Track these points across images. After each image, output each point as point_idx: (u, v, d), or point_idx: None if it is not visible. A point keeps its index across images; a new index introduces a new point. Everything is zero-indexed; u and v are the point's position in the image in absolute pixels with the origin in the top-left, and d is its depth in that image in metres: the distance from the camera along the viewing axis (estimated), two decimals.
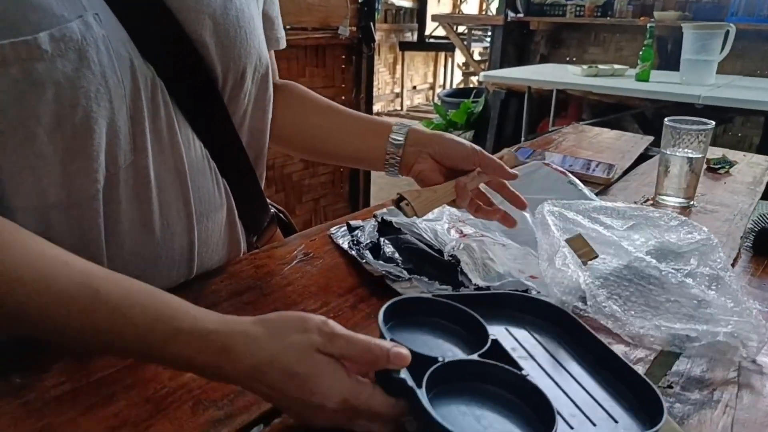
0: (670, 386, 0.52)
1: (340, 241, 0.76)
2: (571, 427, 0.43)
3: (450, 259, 0.67)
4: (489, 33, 4.91)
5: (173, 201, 0.58)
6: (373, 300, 0.63)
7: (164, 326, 0.41)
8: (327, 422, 0.41)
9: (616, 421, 0.44)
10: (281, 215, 0.84)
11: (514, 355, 0.47)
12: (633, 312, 0.59)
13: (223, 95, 0.61)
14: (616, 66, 2.96)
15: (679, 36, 2.59)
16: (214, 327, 0.41)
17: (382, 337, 0.46)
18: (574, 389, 0.47)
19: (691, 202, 0.97)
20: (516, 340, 0.53)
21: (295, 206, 2.41)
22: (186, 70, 0.56)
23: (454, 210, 0.86)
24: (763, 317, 0.57)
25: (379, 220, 0.77)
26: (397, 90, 6.57)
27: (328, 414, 0.40)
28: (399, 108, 6.57)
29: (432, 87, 6.99)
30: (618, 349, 0.57)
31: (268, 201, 0.78)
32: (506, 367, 0.45)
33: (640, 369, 0.54)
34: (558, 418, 0.40)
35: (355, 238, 0.74)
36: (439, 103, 4.85)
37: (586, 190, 0.92)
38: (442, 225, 0.78)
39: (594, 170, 1.09)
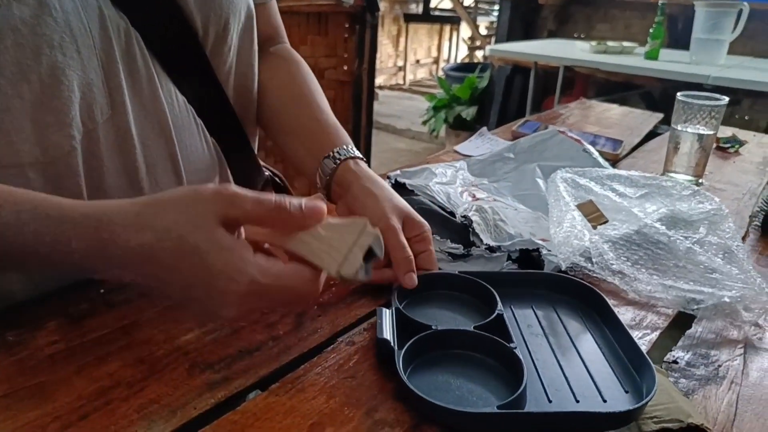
0: (675, 362, 0.51)
1: None
2: (550, 401, 0.44)
3: (462, 219, 0.68)
4: (496, 6, 4.82)
5: (159, 159, 0.56)
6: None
7: (31, 217, 0.38)
8: (233, 313, 0.37)
9: (605, 401, 0.44)
10: (277, 179, 0.82)
11: (527, 331, 0.51)
12: (641, 271, 0.60)
13: (205, 48, 0.58)
14: (625, 43, 2.91)
15: (690, 14, 2.54)
16: (86, 210, 0.38)
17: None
18: (575, 368, 0.48)
19: (700, 180, 0.95)
20: (537, 318, 0.55)
21: (294, 178, 2.38)
22: (162, 20, 0.54)
23: (467, 174, 0.85)
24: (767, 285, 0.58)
25: (393, 182, 0.77)
26: (400, 63, 6.48)
27: (234, 300, 0.36)
28: (401, 82, 6.49)
29: (436, 61, 6.89)
30: (626, 314, 0.57)
31: (262, 164, 0.76)
32: (495, 337, 0.47)
33: (648, 339, 0.53)
34: (525, 384, 0.42)
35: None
36: (443, 77, 4.78)
37: (600, 159, 0.91)
38: (455, 188, 0.79)
39: (602, 145, 1.07)
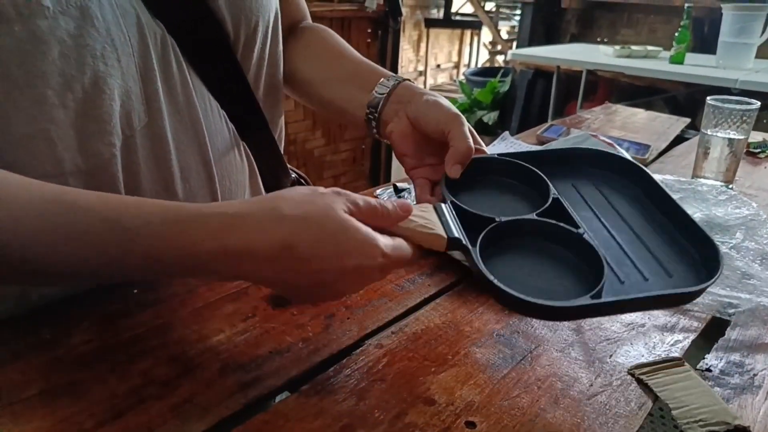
0: (709, 369, 0.50)
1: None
2: (622, 282, 0.44)
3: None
4: (517, 11, 4.80)
5: (193, 164, 0.57)
6: (401, 272, 0.62)
7: (164, 219, 0.38)
8: (360, 289, 0.42)
9: (670, 276, 0.45)
10: (302, 181, 0.83)
11: (575, 213, 0.49)
12: None
13: (236, 51, 0.59)
14: (650, 47, 2.88)
15: (716, 17, 2.50)
16: (210, 211, 0.38)
17: (443, 200, 0.49)
18: (633, 245, 0.48)
19: (731, 186, 0.93)
20: (581, 196, 0.54)
21: (316, 182, 2.39)
22: (196, 26, 0.54)
23: None
24: None
25: None
26: (421, 68, 6.48)
27: (366, 275, 0.40)
28: (422, 87, 6.49)
29: (456, 66, 6.88)
30: (660, 318, 0.56)
31: (288, 166, 0.76)
32: (562, 225, 0.47)
33: (681, 345, 0.52)
34: (607, 271, 0.42)
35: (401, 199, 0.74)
36: (464, 82, 4.77)
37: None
38: None
39: (629, 150, 1.06)
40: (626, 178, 0.56)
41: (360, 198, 0.42)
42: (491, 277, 0.41)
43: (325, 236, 0.38)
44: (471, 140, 0.54)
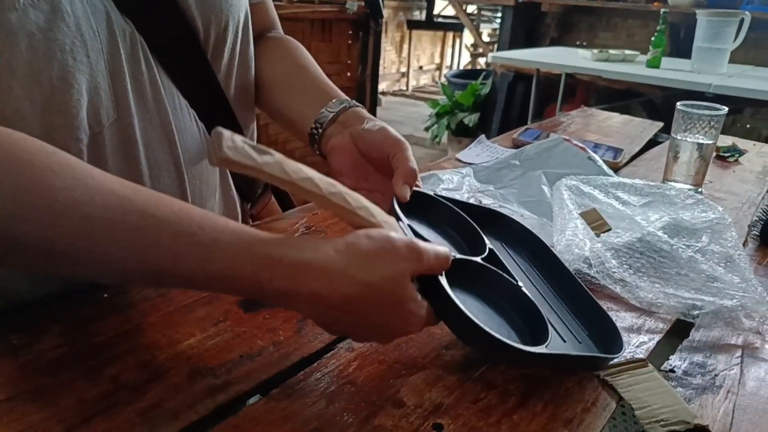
0: (672, 370, 0.51)
1: None
2: (564, 341, 0.48)
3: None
4: (499, 14, 4.84)
5: (163, 162, 0.57)
6: None
7: (230, 241, 0.39)
8: (392, 339, 0.46)
9: (580, 342, 0.48)
10: None
11: (508, 266, 0.52)
12: (643, 279, 0.62)
13: (206, 51, 0.59)
14: (627, 51, 2.92)
15: (692, 23, 2.55)
16: (289, 254, 0.40)
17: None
18: (546, 306, 0.52)
19: (700, 189, 0.95)
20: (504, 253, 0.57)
21: None
22: (166, 24, 0.55)
23: (474, 181, 0.86)
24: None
25: None
26: (403, 69, 6.49)
27: (400, 331, 0.45)
28: (404, 88, 6.50)
29: (439, 67, 6.91)
30: (625, 320, 0.58)
31: None
32: (504, 275, 0.49)
33: (646, 347, 0.53)
34: (550, 329, 0.46)
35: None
36: (445, 84, 4.80)
37: (605, 166, 0.92)
38: (462, 195, 0.80)
39: (602, 154, 1.08)
40: (523, 244, 0.59)
41: (434, 254, 0.43)
42: (460, 305, 0.42)
43: (388, 305, 0.41)
44: (415, 164, 0.55)
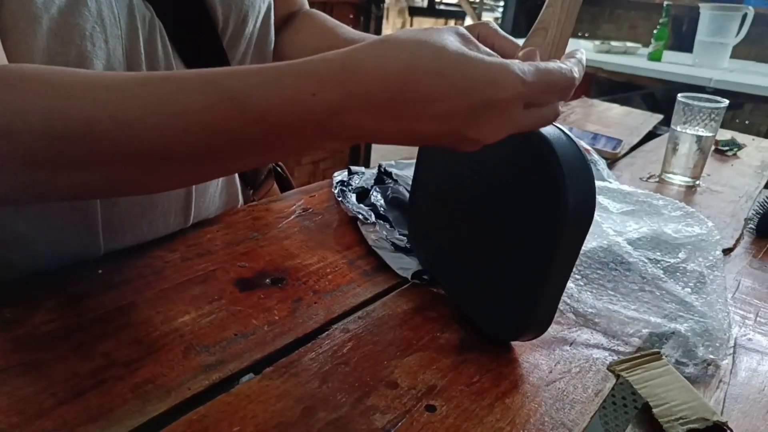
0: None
1: (335, 183, 0.77)
2: None
3: None
4: (501, 2, 4.80)
5: None
6: (370, 258, 0.62)
7: (265, 76, 0.33)
8: (499, 132, 0.34)
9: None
10: (279, 169, 0.83)
11: None
12: (590, 291, 0.58)
13: (222, 40, 0.59)
14: (629, 43, 2.91)
15: (695, 16, 2.54)
16: (317, 58, 0.33)
17: None
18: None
19: (697, 182, 0.95)
20: None
21: (294, 168, 2.40)
22: (186, 11, 0.54)
23: None
24: (734, 315, 0.56)
25: (382, 170, 0.79)
26: None
27: (504, 114, 0.33)
28: None
29: None
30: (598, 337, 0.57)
31: None
32: None
33: (640, 333, 0.54)
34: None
35: (346, 181, 0.77)
36: None
37: (605, 172, 0.89)
38: None
39: (602, 144, 1.08)
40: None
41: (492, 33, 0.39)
42: None
43: (448, 63, 0.31)
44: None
